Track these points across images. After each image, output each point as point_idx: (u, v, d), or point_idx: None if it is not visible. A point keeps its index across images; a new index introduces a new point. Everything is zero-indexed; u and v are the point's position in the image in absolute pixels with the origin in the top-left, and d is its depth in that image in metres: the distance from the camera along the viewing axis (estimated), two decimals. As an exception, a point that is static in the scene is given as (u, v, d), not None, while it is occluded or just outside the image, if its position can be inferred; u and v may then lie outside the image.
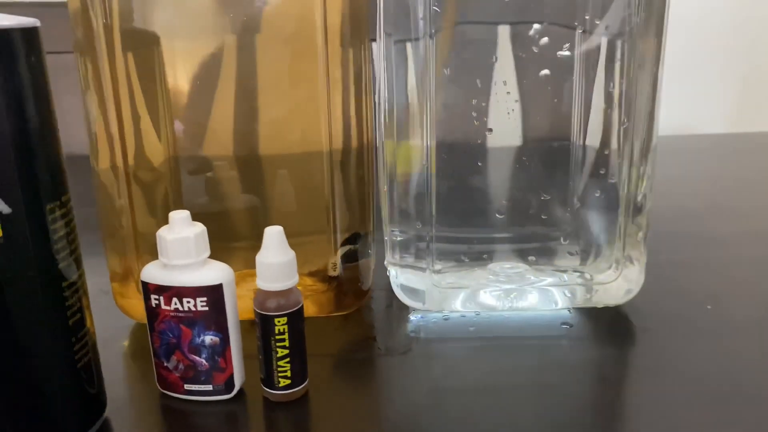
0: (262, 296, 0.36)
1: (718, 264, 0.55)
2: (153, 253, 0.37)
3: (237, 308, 0.37)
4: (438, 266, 0.47)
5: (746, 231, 0.62)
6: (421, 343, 0.45)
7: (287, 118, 0.45)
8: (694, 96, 1.22)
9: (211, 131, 0.45)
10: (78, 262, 0.33)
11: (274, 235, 0.36)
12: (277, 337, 0.36)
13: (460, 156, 0.47)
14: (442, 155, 0.46)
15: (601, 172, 0.46)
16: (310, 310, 0.47)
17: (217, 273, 0.36)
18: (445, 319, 0.47)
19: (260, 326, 0.37)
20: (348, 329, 0.47)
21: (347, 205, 0.46)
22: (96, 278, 0.47)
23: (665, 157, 0.84)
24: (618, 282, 0.47)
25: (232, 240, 0.47)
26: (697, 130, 1.15)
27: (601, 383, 0.41)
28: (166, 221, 0.36)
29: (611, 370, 0.42)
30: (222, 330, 0.37)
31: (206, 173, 0.45)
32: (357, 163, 0.46)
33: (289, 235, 0.46)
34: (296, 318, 0.37)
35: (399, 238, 0.47)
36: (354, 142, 0.45)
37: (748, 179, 0.79)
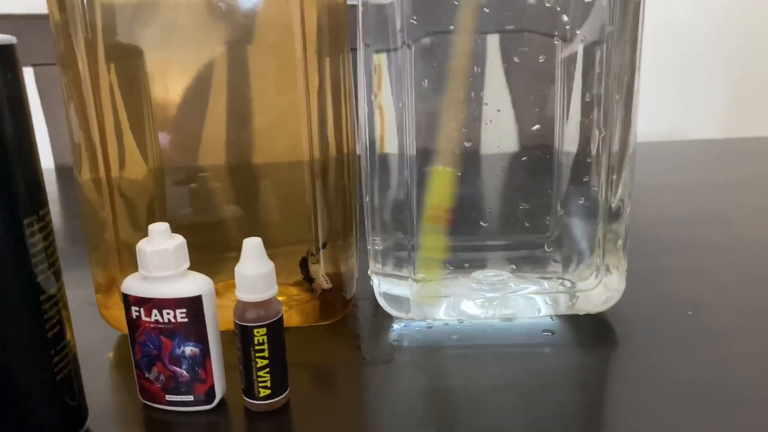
0: (241, 307, 0.37)
1: (702, 271, 0.55)
2: (136, 265, 0.37)
3: (217, 319, 0.38)
4: (420, 275, 0.47)
5: (733, 237, 0.62)
6: (404, 352, 0.45)
7: (269, 128, 0.45)
8: (685, 101, 1.22)
9: (194, 142, 0.45)
10: (57, 275, 0.34)
11: (252, 246, 0.36)
12: (257, 347, 0.37)
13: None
14: (423, 165, 0.46)
15: (583, 179, 0.47)
16: (294, 320, 0.48)
17: (196, 284, 0.36)
18: (429, 328, 0.48)
19: (240, 337, 0.37)
20: (332, 339, 0.47)
21: (329, 215, 0.46)
22: (83, 290, 0.47)
23: (654, 164, 0.86)
24: (598, 289, 0.47)
25: (216, 251, 0.47)
26: (688, 135, 1.15)
27: (582, 390, 0.41)
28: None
29: (592, 377, 0.42)
30: (202, 341, 0.37)
31: (190, 184, 0.46)
32: (338, 173, 0.46)
33: (272, 245, 0.46)
34: (276, 328, 0.37)
35: (381, 247, 0.48)
36: (334, 152, 0.46)
37: (737, 185, 0.79)
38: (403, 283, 0.48)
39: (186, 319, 0.36)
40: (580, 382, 0.42)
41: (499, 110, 0.46)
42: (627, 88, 0.44)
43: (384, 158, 0.46)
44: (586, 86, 0.45)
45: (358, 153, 0.48)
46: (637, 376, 0.41)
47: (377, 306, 0.49)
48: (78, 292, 0.49)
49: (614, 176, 0.46)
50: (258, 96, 0.44)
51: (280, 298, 0.47)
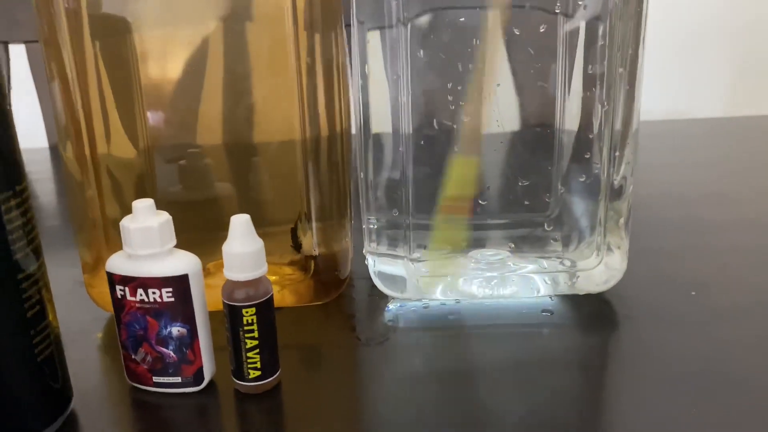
0: (229, 286, 0.36)
1: (706, 251, 0.54)
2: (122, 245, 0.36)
3: (205, 299, 0.37)
4: (416, 254, 0.46)
5: (737, 218, 0.61)
6: (400, 333, 0.44)
7: (261, 105, 0.44)
8: (690, 79, 1.20)
9: (184, 120, 0.44)
10: (37, 253, 0.32)
11: (240, 223, 0.35)
12: (246, 328, 0.36)
13: (438, 142, 0.46)
14: (419, 141, 0.45)
15: (585, 156, 0.45)
16: (288, 299, 0.47)
17: (182, 263, 0.35)
18: (425, 308, 0.46)
19: (228, 317, 0.36)
20: (326, 319, 0.46)
21: (321, 192, 0.45)
22: (74, 269, 0.46)
23: (657, 142, 0.84)
24: (599, 269, 0.46)
25: (206, 229, 0.46)
26: (692, 114, 1.13)
27: (581, 372, 0.40)
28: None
29: (592, 358, 0.41)
30: (189, 321, 0.36)
31: (179, 162, 0.44)
32: (331, 150, 0.45)
33: (265, 223, 0.45)
34: (265, 308, 0.36)
35: (375, 226, 0.46)
36: (327, 129, 0.44)
37: (742, 165, 0.77)
38: (398, 262, 0.46)
39: (172, 299, 0.35)
40: (579, 363, 0.41)
41: (498, 84, 0.44)
42: (631, 63, 0.43)
43: (378, 136, 0.45)
44: (588, 60, 0.43)
45: (352, 131, 0.46)
46: (638, 358, 0.40)
47: (372, 286, 0.47)
48: (70, 271, 0.48)
49: (617, 153, 0.44)
50: (249, 73, 0.43)
51: (272, 278, 0.46)
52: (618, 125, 0.44)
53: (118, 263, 0.36)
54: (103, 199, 0.43)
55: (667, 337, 0.42)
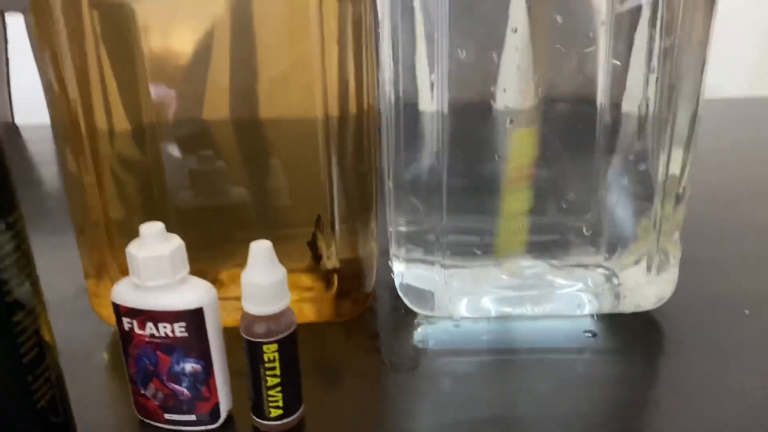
0: (248, 320, 0.32)
1: (759, 259, 0.50)
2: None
3: (221, 331, 0.33)
4: (448, 261, 0.42)
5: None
6: (429, 357, 0.40)
7: (276, 81, 0.39)
8: (713, 55, 1.13)
9: (194, 99, 0.39)
10: (34, 290, 0.29)
11: (261, 251, 0.31)
12: (267, 365, 0.32)
13: (476, 129, 0.41)
14: (456, 128, 0.40)
15: (634, 149, 0.41)
16: (307, 315, 0.43)
17: (196, 295, 0.32)
18: (456, 327, 0.43)
19: (247, 352, 0.32)
20: (349, 338, 0.43)
21: (345, 189, 0.40)
22: (79, 275, 0.42)
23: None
24: (649, 287, 0.42)
25: (220, 232, 0.42)
26: (715, 93, 1.08)
27: (627, 409, 0.36)
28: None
29: (639, 392, 0.37)
30: (204, 357, 0.32)
31: (190, 153, 0.40)
32: (356, 135, 0.40)
33: (282, 224, 0.41)
34: (288, 343, 0.32)
35: (404, 230, 0.42)
36: (353, 109, 0.39)
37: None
38: (429, 272, 0.42)
39: (186, 334, 0.32)
40: (624, 399, 0.37)
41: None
42: (701, 37, 0.37)
43: (410, 119, 0.40)
44: (649, 33, 0.37)
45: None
46: (691, 391, 0.37)
47: (398, 297, 0.44)
48: (77, 276, 0.44)
49: (684, 150, 0.40)
50: (266, 43, 0.37)
51: (291, 292, 0.43)
52: (684, 114, 0.39)
53: (124, 293, 0.32)
54: (105, 196, 0.39)
55: (721, 366, 0.38)
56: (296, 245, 0.42)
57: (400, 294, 0.43)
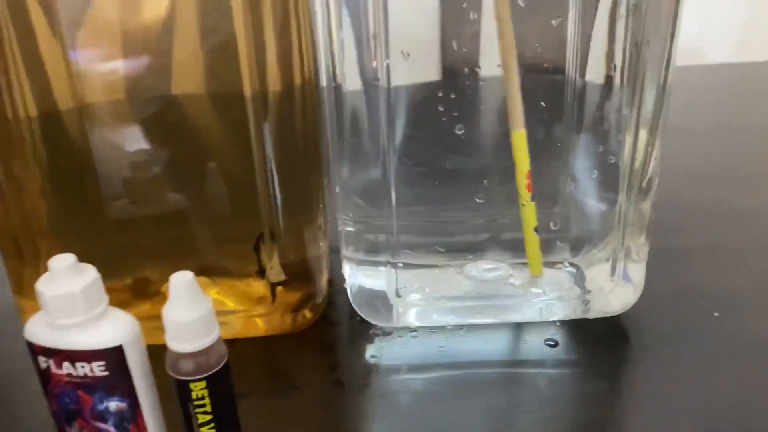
0: (173, 357, 0.29)
1: (729, 251, 0.48)
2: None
3: (147, 364, 0.31)
4: (401, 263, 0.40)
5: (764, 201, 0.54)
6: (382, 374, 0.38)
7: (197, 57, 0.35)
8: (697, 18, 1.09)
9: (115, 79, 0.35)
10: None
11: (182, 285, 0.28)
12: (196, 402, 0.30)
13: (427, 115, 0.38)
14: (403, 114, 0.37)
15: (599, 134, 0.38)
16: (255, 329, 0.41)
17: (115, 332, 0.29)
18: (414, 337, 0.41)
19: (176, 390, 0.30)
20: (301, 352, 0.40)
21: (284, 184, 0.37)
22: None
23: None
24: (614, 292, 0.40)
25: (151, 229, 0.39)
26: (699, 59, 1.04)
27: (590, 430, 0.34)
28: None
29: (602, 409, 0.35)
30: (129, 395, 0.30)
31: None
32: (288, 119, 0.36)
33: (223, 227, 0.38)
34: (219, 378, 0.30)
35: (352, 229, 0.40)
36: (286, 87, 0.35)
37: (762, 125, 0.69)
38: (382, 275, 0.40)
39: (106, 373, 0.29)
40: (585, 419, 0.35)
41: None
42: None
43: (350, 99, 0.36)
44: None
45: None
46: (654, 407, 0.35)
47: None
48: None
49: (650, 132, 0.37)
50: (183, 16, 0.33)
51: (236, 307, 0.40)
52: (650, 92, 0.35)
53: (37, 331, 0.29)
54: (21, 192, 0.36)
55: (691, 378, 0.37)
56: (244, 248, 0.39)
57: (353, 303, 0.41)
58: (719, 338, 0.39)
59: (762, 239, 0.49)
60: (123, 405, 0.30)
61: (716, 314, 0.41)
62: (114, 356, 0.29)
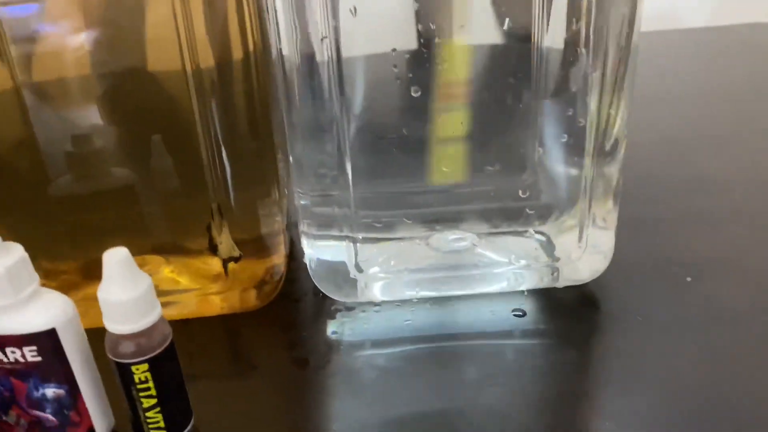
0: (112, 339, 0.28)
1: (702, 217, 0.46)
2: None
3: (86, 346, 0.29)
4: (361, 236, 0.38)
5: (737, 168, 0.52)
6: (344, 351, 0.37)
7: (136, 32, 0.33)
8: None
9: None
10: None
11: (116, 263, 0.26)
12: (139, 386, 0.28)
13: (383, 82, 0.36)
14: (358, 82, 0.35)
15: (566, 96, 0.37)
16: (212, 307, 0.39)
17: (48, 314, 0.27)
18: (377, 312, 0.39)
19: (117, 374, 0.28)
20: (260, 330, 0.39)
21: (234, 156, 0.35)
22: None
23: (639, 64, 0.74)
24: (582, 260, 0.39)
25: (102, 218, 0.37)
26: (673, 24, 1.02)
27: (559, 401, 0.33)
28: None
29: (572, 380, 0.34)
30: (67, 380, 0.28)
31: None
32: (231, 92, 0.35)
33: (162, 199, 0.36)
34: (163, 360, 0.28)
35: (308, 202, 0.38)
36: (224, 60, 0.34)
37: (745, 96, 0.68)
38: (341, 249, 0.38)
39: (39, 358, 0.27)
40: (554, 390, 0.33)
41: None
42: None
43: (298, 67, 0.34)
44: None
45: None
46: (626, 378, 0.34)
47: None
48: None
49: (616, 95, 0.35)
50: None
51: (191, 285, 0.38)
52: (613, 51, 0.34)
53: (-37, 315, 0.27)
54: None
55: (661, 347, 0.35)
56: (196, 225, 0.38)
57: (313, 278, 0.39)
58: (689, 306, 0.38)
59: (735, 206, 0.48)
60: (61, 391, 0.28)
61: (688, 279, 0.40)
62: (47, 340, 0.27)
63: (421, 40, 0.35)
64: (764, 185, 0.50)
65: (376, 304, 0.40)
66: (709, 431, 0.30)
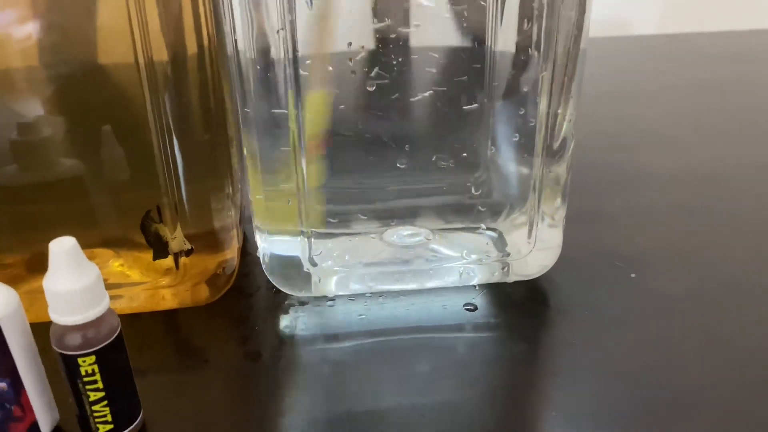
0: (58, 331, 0.27)
1: (646, 213, 0.48)
2: None
3: (30, 339, 0.28)
4: (314, 231, 0.38)
5: (680, 166, 0.55)
6: (297, 345, 0.37)
7: (87, 24, 0.32)
8: None
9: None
10: None
11: (61, 253, 0.26)
12: (86, 379, 0.28)
13: (339, 79, 0.36)
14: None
15: (516, 96, 0.37)
16: (161, 302, 0.39)
17: (-11, 305, 0.27)
18: (330, 306, 0.39)
19: (62, 366, 0.28)
20: (210, 325, 0.38)
21: (185, 148, 0.35)
22: None
23: (587, 67, 0.76)
24: (532, 254, 0.40)
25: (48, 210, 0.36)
26: (624, 30, 1.05)
27: (508, 392, 0.34)
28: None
29: (521, 372, 0.35)
30: (10, 374, 0.28)
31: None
32: (184, 85, 0.35)
33: (111, 192, 0.36)
34: (111, 352, 0.28)
35: (260, 196, 0.38)
36: (178, 53, 0.34)
37: (689, 99, 0.71)
38: (295, 243, 0.38)
39: (-20, 351, 0.27)
40: (503, 383, 0.34)
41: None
42: None
43: (259, 60, 0.34)
44: None
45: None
46: (575, 371, 0.35)
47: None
48: None
49: (557, 98, 0.36)
50: None
51: (140, 279, 0.38)
52: (562, 51, 0.35)
53: None
54: None
55: (606, 340, 0.36)
56: (133, 217, 0.37)
57: (266, 273, 0.39)
58: (634, 300, 0.39)
59: (678, 202, 0.49)
60: (3, 385, 0.28)
61: (633, 275, 0.41)
62: (-12, 332, 0.26)
63: (378, 36, 0.35)
64: (704, 181, 0.52)
65: (329, 299, 0.40)
66: (652, 418, 0.31)
